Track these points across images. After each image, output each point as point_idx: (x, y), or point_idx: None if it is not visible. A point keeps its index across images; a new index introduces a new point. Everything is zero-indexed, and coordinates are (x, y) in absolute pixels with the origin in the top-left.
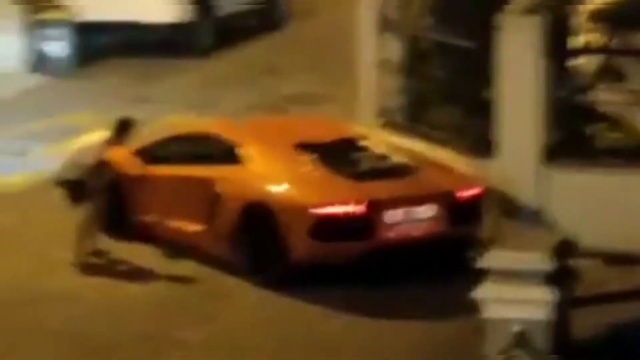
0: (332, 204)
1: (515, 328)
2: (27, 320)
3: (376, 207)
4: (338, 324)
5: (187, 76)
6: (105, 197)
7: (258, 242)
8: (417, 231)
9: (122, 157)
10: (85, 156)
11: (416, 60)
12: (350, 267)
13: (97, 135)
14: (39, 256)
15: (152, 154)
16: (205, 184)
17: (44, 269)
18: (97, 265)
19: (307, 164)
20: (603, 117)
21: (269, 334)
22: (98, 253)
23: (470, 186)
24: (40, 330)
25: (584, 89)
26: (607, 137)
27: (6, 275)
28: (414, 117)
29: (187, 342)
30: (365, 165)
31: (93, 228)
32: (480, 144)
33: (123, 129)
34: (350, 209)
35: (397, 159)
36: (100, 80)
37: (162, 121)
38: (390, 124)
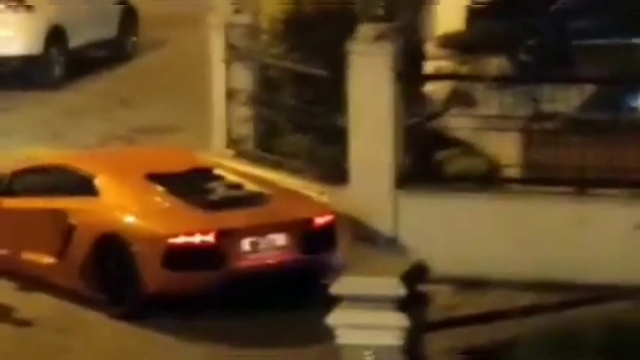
0: (182, 233)
1: (368, 354)
2: None
3: (227, 235)
4: (196, 354)
5: (38, 108)
6: None
7: (112, 274)
8: (270, 259)
9: None
10: None
11: (267, 89)
12: (205, 296)
13: None
14: None
15: (3, 186)
16: (58, 215)
17: None
18: None
19: (158, 194)
20: (454, 143)
21: None
22: None
23: (323, 213)
24: None
25: (435, 115)
26: (457, 162)
27: None
28: (266, 145)
29: None
30: (217, 194)
31: None
32: (333, 171)
33: None
34: (201, 238)
35: (249, 188)
36: None
37: (13, 153)
38: (243, 153)
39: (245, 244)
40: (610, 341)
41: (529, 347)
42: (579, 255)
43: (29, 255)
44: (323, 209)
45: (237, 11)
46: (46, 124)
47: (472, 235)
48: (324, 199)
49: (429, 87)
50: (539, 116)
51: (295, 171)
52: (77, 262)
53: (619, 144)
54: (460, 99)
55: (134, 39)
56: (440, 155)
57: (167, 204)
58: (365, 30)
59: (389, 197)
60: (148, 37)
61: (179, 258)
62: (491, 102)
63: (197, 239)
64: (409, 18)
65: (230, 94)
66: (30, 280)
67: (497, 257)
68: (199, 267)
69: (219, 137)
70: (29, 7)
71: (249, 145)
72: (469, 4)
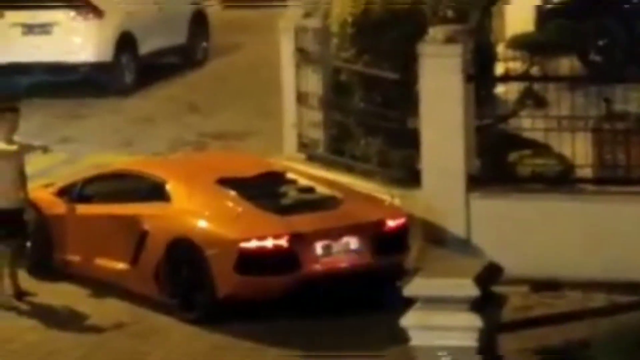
0: (255, 237)
1: (443, 355)
2: None
3: (300, 239)
4: (269, 358)
5: (109, 115)
6: (26, 237)
7: (184, 279)
8: (343, 263)
9: (47, 197)
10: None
11: (337, 92)
12: (278, 300)
13: None
14: None
15: (77, 192)
16: (131, 221)
17: None
18: (22, 308)
19: (230, 199)
20: (526, 144)
21: None
22: (21, 294)
23: (395, 216)
24: None
25: (506, 116)
26: (530, 163)
27: None
28: (337, 149)
29: None
30: (289, 198)
31: (13, 268)
32: (405, 174)
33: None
34: (273, 242)
35: (321, 191)
36: (22, 122)
37: (86, 160)
38: (314, 157)
39: (318, 247)
40: None
41: (603, 347)
42: None
43: (101, 262)
44: (395, 212)
45: (307, 15)
46: (117, 131)
47: (545, 236)
48: (396, 201)
49: (500, 89)
50: (610, 116)
51: (366, 174)
52: (149, 267)
53: None
54: (531, 100)
55: (205, 44)
56: (512, 156)
57: (239, 209)
58: (436, 32)
59: (461, 199)
60: (218, 42)
61: (252, 262)
62: (563, 103)
63: (269, 243)
64: (479, 19)
65: (301, 98)
66: (103, 286)
67: (570, 257)
68: (271, 271)
69: (290, 141)
70: (99, 14)
71: (320, 149)
72: (539, 4)
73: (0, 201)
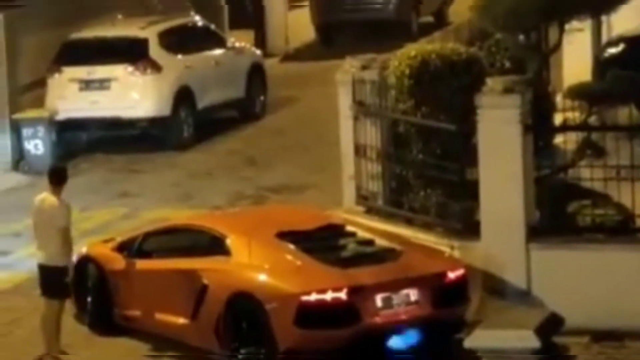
0: (314, 291)
1: None
2: None
3: (360, 292)
4: None
5: (168, 169)
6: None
7: (245, 333)
8: (403, 315)
9: (107, 252)
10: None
11: (396, 145)
12: (338, 353)
13: (40, 198)
14: (24, 356)
15: (137, 248)
16: (190, 275)
17: None
18: None
19: (290, 252)
20: (586, 194)
21: None
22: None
23: (455, 268)
24: None
25: (565, 166)
26: (589, 213)
27: None
28: (396, 201)
29: None
30: (348, 251)
31: (59, 323)
32: (464, 225)
33: (57, 177)
34: (333, 295)
35: (381, 243)
36: (81, 177)
37: (146, 214)
38: (373, 209)
39: (378, 300)
40: None
41: None
42: None
43: (161, 316)
44: (454, 263)
45: (364, 67)
46: (176, 185)
47: (606, 286)
48: (455, 253)
49: (559, 139)
50: None
51: (425, 226)
52: (210, 321)
53: None
54: (590, 150)
55: (262, 97)
56: (572, 206)
57: (298, 262)
58: (494, 83)
59: (521, 250)
60: (276, 96)
61: (312, 315)
62: (621, 152)
63: (329, 296)
64: (537, 70)
65: (359, 151)
66: (163, 342)
67: (632, 308)
68: (332, 324)
69: (348, 193)
70: (157, 69)
71: (379, 201)
72: (597, 54)
73: (40, 255)
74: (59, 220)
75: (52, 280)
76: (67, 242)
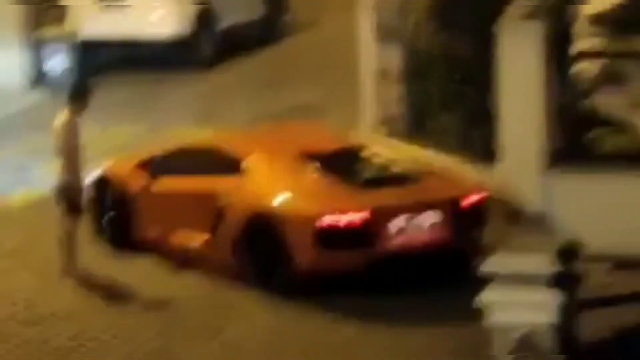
0: (336, 212)
1: (521, 331)
2: (32, 338)
3: (380, 215)
4: (350, 331)
5: (189, 89)
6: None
7: (263, 253)
8: (421, 238)
9: (127, 171)
10: (59, 136)
11: (417, 69)
12: (355, 275)
13: (60, 117)
14: (44, 275)
15: (156, 167)
16: (210, 196)
17: (49, 287)
18: (100, 282)
19: (311, 173)
20: (605, 122)
21: (281, 342)
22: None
23: (473, 193)
24: (46, 348)
25: (585, 94)
26: (609, 141)
27: (11, 293)
28: (416, 125)
29: (195, 356)
30: (368, 173)
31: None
32: (483, 150)
33: (79, 95)
34: (355, 217)
35: (400, 167)
36: (102, 96)
37: (167, 134)
38: (393, 133)
39: (396, 223)
40: None
41: None
42: None
43: (180, 235)
44: (475, 187)
45: None
46: (198, 105)
47: (625, 214)
48: (476, 177)
49: (580, 66)
50: None
51: (445, 150)
52: (229, 240)
53: None
54: (611, 77)
55: (284, 18)
56: (592, 133)
57: (319, 183)
58: (515, 9)
59: (540, 177)
60: (298, 17)
61: (332, 237)
62: None
63: (350, 217)
64: None
65: (381, 74)
66: (182, 260)
67: None
68: (351, 246)
69: (369, 116)
70: None
71: (400, 125)
72: None
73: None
74: (59, 140)
75: (65, 198)
76: (71, 163)
